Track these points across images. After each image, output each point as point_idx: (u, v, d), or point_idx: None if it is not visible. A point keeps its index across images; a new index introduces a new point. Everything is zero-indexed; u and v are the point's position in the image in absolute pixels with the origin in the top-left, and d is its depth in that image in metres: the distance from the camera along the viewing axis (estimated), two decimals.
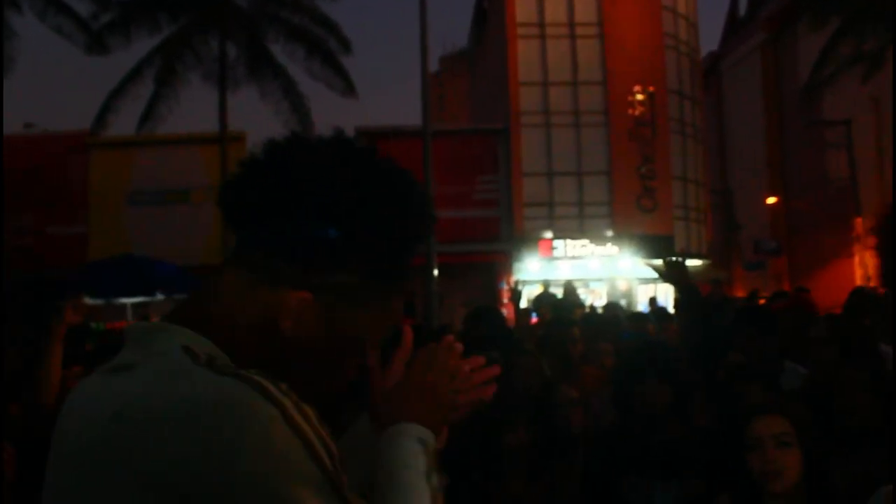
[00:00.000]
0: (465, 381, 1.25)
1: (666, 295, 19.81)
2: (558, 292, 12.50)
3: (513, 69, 26.69)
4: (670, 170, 26.97)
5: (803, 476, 2.32)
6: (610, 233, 25.92)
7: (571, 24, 27.10)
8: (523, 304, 8.06)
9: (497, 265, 24.88)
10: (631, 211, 26.22)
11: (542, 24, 27.07)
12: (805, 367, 4.25)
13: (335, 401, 1.13)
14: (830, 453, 2.53)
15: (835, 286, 21.85)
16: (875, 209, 24.62)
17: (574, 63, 26.93)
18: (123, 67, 21.23)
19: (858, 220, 25.93)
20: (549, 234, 25.55)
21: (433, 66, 42.82)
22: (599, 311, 9.85)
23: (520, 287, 7.50)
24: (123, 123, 22.38)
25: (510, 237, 25.35)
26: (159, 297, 13.23)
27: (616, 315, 8.33)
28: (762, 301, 11.29)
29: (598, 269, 25.27)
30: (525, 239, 25.24)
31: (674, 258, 4.29)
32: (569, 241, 25.52)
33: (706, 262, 27.78)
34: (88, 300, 12.95)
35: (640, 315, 8.38)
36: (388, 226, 1.09)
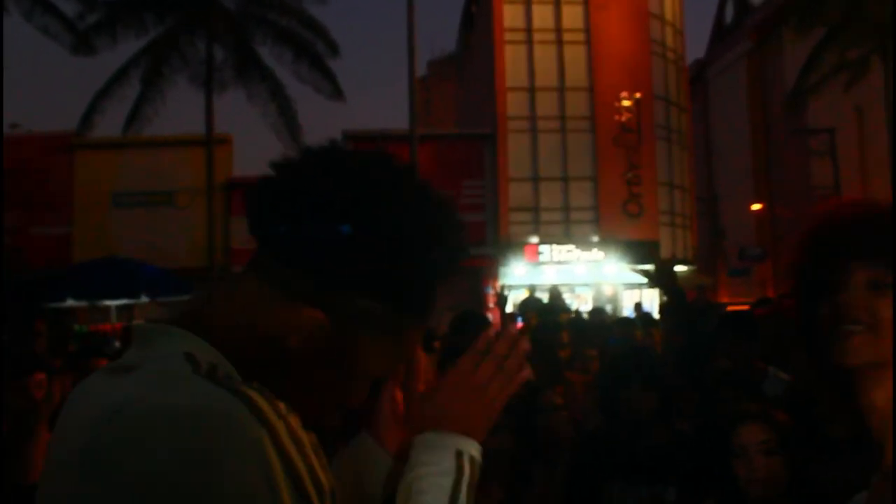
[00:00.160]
0: (515, 369, 1.13)
1: (651, 300, 19.87)
2: (544, 297, 12.53)
3: (500, 74, 26.74)
4: (656, 176, 27.07)
5: (787, 483, 2.35)
6: (596, 238, 25.98)
7: (558, 30, 27.18)
8: (509, 308, 8.08)
9: (483, 270, 24.89)
10: (617, 216, 26.30)
11: (529, 30, 27.13)
12: (788, 373, 4.28)
13: (333, 427, 1.10)
14: (812, 460, 2.55)
15: None
16: None
17: (561, 69, 27.00)
18: (110, 68, 21.16)
19: None
20: (534, 239, 25.59)
21: (420, 70, 42.83)
22: (585, 316, 9.88)
23: (506, 292, 7.51)
24: (109, 124, 22.29)
25: (496, 242, 25.37)
26: (144, 299, 13.14)
27: (603, 320, 8.34)
28: (746, 307, 11.34)
29: (583, 275, 25.31)
30: (511, 244, 25.28)
31: (664, 264, 4.32)
32: (555, 247, 25.56)
33: (691, 268, 27.89)
34: (72, 302, 12.91)
35: (626, 320, 8.40)
36: (418, 252, 1.02)
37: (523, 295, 13.70)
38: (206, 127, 21.34)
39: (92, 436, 0.87)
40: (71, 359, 4.48)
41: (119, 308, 14.33)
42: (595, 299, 23.99)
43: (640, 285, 23.20)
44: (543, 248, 25.46)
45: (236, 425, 0.83)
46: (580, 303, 21.17)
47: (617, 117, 26.62)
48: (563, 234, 26.14)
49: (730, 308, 11.51)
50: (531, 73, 26.93)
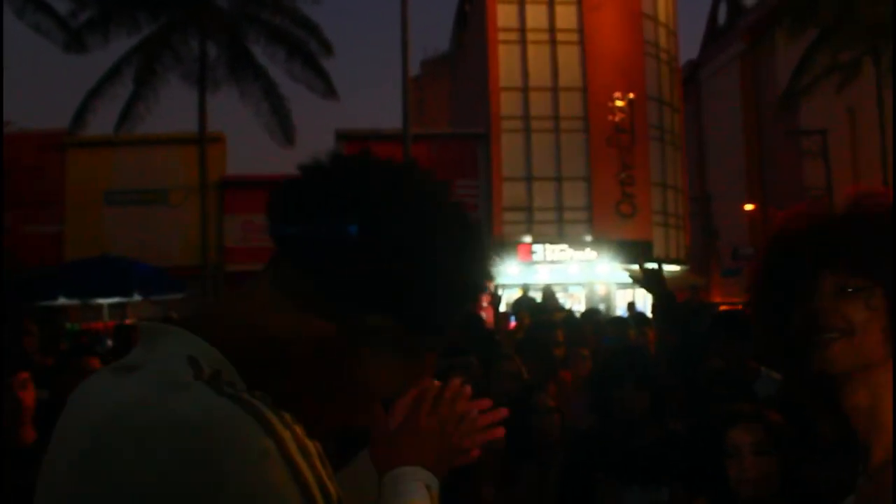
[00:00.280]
0: (472, 423, 1.21)
1: (644, 300, 19.90)
2: (537, 296, 12.52)
3: (493, 74, 26.76)
4: (649, 176, 27.13)
5: (780, 483, 2.35)
6: (589, 238, 26.01)
7: (552, 30, 27.21)
8: (502, 308, 8.08)
9: None
10: (610, 216, 26.34)
11: (522, 30, 27.15)
12: (779, 373, 4.28)
13: (336, 440, 1.10)
14: (804, 460, 2.55)
15: None
16: None
17: (554, 69, 27.03)
18: (102, 66, 21.09)
19: None
20: (528, 239, 25.62)
21: (414, 69, 42.82)
22: (577, 315, 9.87)
23: (499, 291, 7.50)
24: (102, 123, 22.22)
25: (489, 241, 25.32)
26: (136, 297, 13.10)
27: (597, 320, 8.34)
28: (739, 307, 11.36)
29: (576, 274, 25.35)
30: (504, 243, 25.28)
31: (650, 265, 4.31)
32: (548, 246, 25.59)
33: (684, 268, 27.96)
34: (64, 300, 12.86)
35: (620, 320, 8.39)
36: (440, 272, 0.98)
37: (516, 294, 13.69)
38: (199, 125, 21.27)
39: (92, 439, 0.86)
40: (62, 357, 4.46)
41: (112, 306, 14.28)
42: (588, 299, 24.02)
43: (633, 285, 23.19)
44: (537, 247, 25.49)
45: (241, 438, 0.81)
46: (573, 302, 21.20)
47: (610, 117, 26.67)
48: (557, 233, 26.17)
49: (722, 308, 11.53)
50: (525, 72, 26.95)
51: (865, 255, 1.24)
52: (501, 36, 27.03)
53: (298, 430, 0.85)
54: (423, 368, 1.10)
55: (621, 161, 26.59)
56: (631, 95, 26.72)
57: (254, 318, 0.98)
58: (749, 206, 33.44)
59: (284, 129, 21.72)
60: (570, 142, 26.71)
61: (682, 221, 29.49)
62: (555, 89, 26.93)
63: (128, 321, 12.22)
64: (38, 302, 12.25)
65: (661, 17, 29.02)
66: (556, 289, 14.19)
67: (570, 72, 26.96)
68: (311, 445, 0.86)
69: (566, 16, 27.23)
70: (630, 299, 19.74)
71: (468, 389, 1.21)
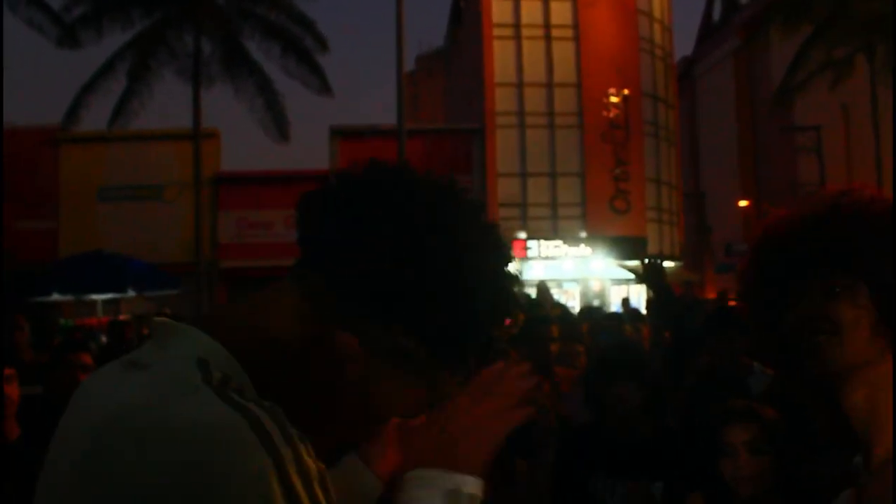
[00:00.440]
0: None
1: (639, 296, 19.93)
2: (531, 292, 12.53)
3: (488, 70, 26.75)
4: (643, 172, 27.15)
5: (775, 480, 2.36)
6: (583, 234, 26.04)
7: (547, 26, 27.20)
8: None
9: None
10: (604, 212, 26.36)
11: (517, 26, 27.14)
12: (774, 370, 4.27)
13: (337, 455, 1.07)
14: (800, 457, 2.56)
15: None
16: None
17: (549, 65, 27.03)
18: (95, 62, 21.01)
19: None
20: (522, 235, 25.61)
21: (409, 65, 42.80)
22: (572, 311, 9.88)
23: None
24: (95, 118, 22.14)
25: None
26: (130, 293, 13.08)
27: (594, 319, 8.34)
28: (732, 303, 11.38)
29: (571, 270, 25.37)
30: None
31: (651, 260, 4.32)
32: (542, 242, 25.62)
33: (678, 264, 27.99)
34: (58, 296, 12.83)
35: (615, 316, 8.40)
36: (471, 293, 0.96)
37: None
38: (194, 121, 21.21)
39: (93, 440, 0.85)
40: (55, 352, 4.44)
41: (105, 302, 14.24)
42: (582, 295, 24.03)
43: (627, 281, 23.26)
44: (531, 243, 25.50)
45: (237, 448, 0.79)
46: (567, 298, 21.22)
47: (605, 114, 26.68)
48: (551, 229, 26.18)
49: (731, 303, 11.56)
50: (519, 68, 26.94)
51: (848, 254, 1.25)
52: (496, 32, 27.02)
53: (304, 448, 0.83)
54: (443, 393, 1.04)
55: (615, 157, 26.62)
56: (625, 91, 26.74)
57: (275, 325, 0.95)
58: (743, 203, 33.50)
59: (279, 125, 21.68)
60: (564, 138, 26.72)
61: (676, 217, 29.53)
62: (549, 85, 26.93)
63: (122, 317, 12.20)
64: (31, 298, 12.22)
65: (656, 13, 29.03)
66: (550, 285, 14.21)
67: (564, 68, 26.96)
68: (314, 468, 0.84)
69: (561, 12, 27.22)
70: (625, 295, 19.78)
71: (527, 367, 1.09)
